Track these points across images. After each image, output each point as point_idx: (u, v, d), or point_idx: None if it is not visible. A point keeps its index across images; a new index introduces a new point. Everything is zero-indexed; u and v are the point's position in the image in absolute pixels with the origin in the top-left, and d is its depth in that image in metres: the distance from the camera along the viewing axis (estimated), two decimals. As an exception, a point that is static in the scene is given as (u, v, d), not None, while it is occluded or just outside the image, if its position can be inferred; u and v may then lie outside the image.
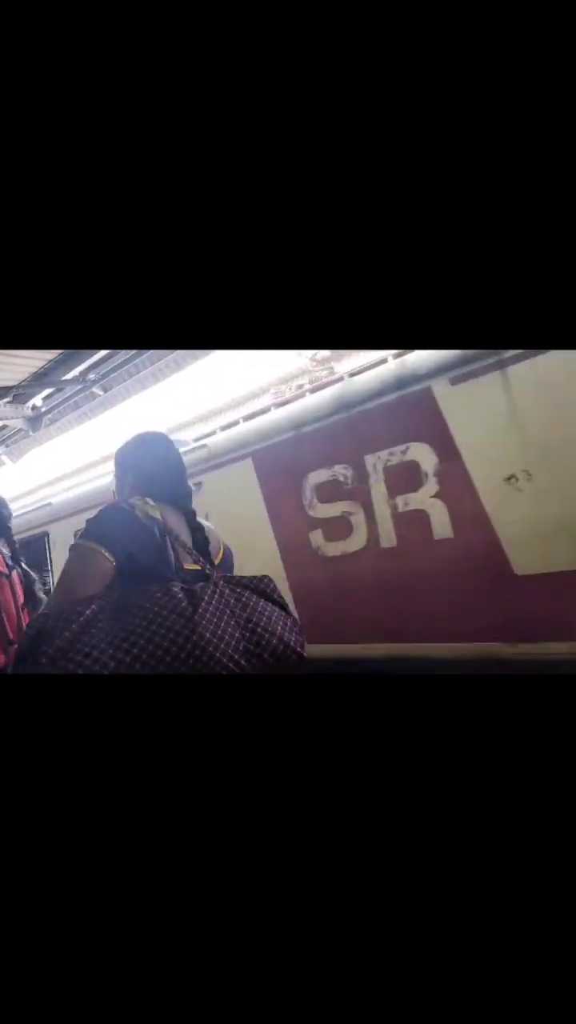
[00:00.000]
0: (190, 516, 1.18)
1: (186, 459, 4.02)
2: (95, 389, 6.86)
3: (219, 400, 10.34)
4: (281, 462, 3.25)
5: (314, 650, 3.34)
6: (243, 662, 0.92)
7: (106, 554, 0.99)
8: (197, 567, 1.09)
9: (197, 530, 1.16)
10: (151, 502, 1.09)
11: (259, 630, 0.98)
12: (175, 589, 0.96)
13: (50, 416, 7.35)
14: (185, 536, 1.12)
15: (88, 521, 1.06)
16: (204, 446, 3.85)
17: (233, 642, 0.93)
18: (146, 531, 1.04)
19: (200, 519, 1.21)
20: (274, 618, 1.03)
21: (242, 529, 3.81)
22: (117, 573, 1.00)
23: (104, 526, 1.03)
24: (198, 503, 4.03)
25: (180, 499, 1.19)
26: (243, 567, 3.66)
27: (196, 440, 4.66)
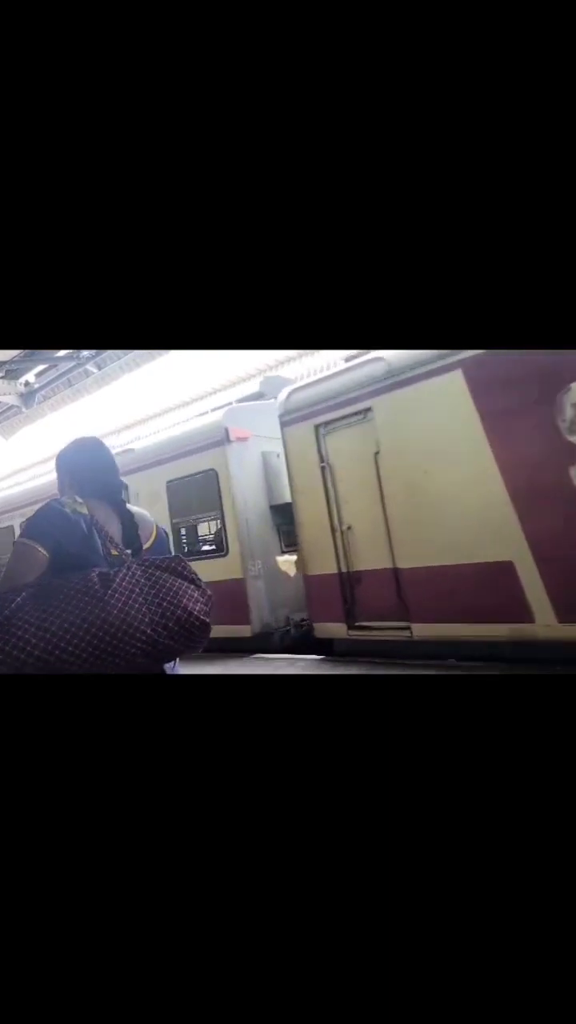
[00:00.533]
0: (120, 508, 1.40)
1: (351, 378, 3.23)
2: (89, 366, 6.96)
3: (215, 381, 10.22)
4: (516, 371, 2.38)
5: (573, 631, 2.57)
6: (149, 631, 1.18)
7: (40, 548, 1.24)
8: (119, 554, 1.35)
9: (127, 519, 1.39)
10: (78, 499, 1.34)
11: (165, 603, 1.22)
12: (92, 575, 1.20)
13: (43, 393, 7.49)
14: (113, 527, 1.36)
15: (26, 521, 1.30)
16: (380, 359, 3.01)
17: (140, 615, 1.18)
18: (73, 524, 1.29)
19: (130, 506, 1.43)
20: (180, 591, 1.26)
21: (439, 467, 2.98)
22: (51, 563, 1.24)
23: (37, 524, 1.27)
24: (365, 433, 3.26)
25: (110, 494, 1.41)
26: (440, 516, 2.85)
27: (348, 360, 3.79)
